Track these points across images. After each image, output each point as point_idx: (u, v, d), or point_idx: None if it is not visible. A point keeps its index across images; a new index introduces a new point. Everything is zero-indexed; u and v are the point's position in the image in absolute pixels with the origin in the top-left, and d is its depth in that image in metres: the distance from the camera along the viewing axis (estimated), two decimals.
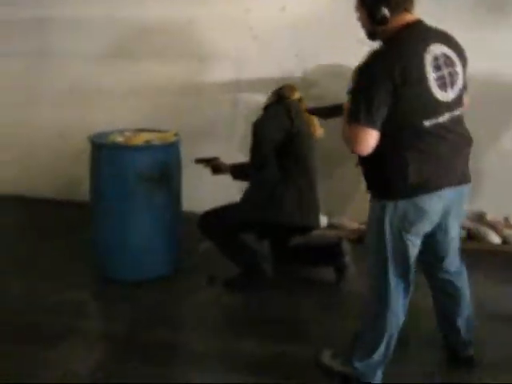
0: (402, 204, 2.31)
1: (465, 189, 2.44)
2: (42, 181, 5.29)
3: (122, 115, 4.76)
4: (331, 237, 4.09)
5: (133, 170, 3.44)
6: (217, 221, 3.53)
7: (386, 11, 2.27)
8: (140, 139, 3.60)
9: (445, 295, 2.67)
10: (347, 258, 3.60)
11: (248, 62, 4.58)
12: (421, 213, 2.31)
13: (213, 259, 3.87)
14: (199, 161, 3.78)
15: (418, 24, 2.33)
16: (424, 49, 2.24)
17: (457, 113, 2.34)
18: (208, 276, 3.73)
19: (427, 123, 2.24)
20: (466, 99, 2.47)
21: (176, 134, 3.79)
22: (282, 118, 3.38)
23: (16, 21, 5.07)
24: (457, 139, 2.36)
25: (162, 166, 3.52)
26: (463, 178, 2.42)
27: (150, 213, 3.57)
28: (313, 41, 4.34)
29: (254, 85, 4.59)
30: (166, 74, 4.75)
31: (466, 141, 2.43)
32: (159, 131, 3.87)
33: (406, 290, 2.45)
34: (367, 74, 2.25)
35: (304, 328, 3.27)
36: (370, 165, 2.38)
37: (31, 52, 5.12)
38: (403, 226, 2.33)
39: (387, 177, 2.33)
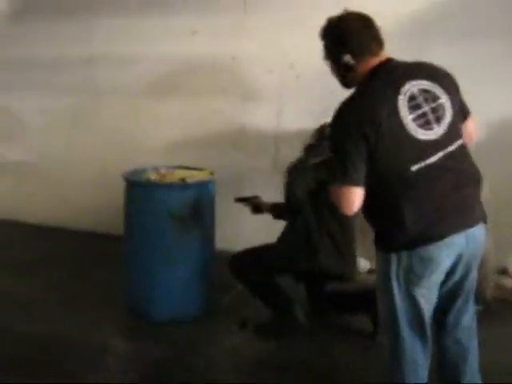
0: (405, 256, 2.12)
1: (477, 230, 2.17)
2: (84, 214, 5.33)
3: (163, 152, 4.80)
4: (370, 283, 3.90)
5: (164, 208, 3.38)
6: (250, 262, 3.41)
7: (348, 58, 2.19)
8: (174, 177, 3.55)
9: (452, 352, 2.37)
10: None
11: (290, 102, 4.50)
12: (428, 264, 2.10)
13: (245, 300, 3.74)
14: (239, 200, 3.67)
15: (388, 65, 2.19)
16: (396, 91, 2.08)
17: (452, 148, 2.12)
18: (240, 321, 3.60)
19: (414, 168, 2.06)
20: (468, 127, 2.30)
21: (211, 173, 3.72)
22: (316, 169, 3.24)
23: (64, 58, 5.16)
24: (457, 177, 2.13)
25: (195, 205, 3.45)
26: (474, 219, 2.17)
27: (181, 252, 3.50)
28: None
29: (294, 126, 4.50)
30: (208, 112, 4.73)
31: (470, 176, 2.19)
32: (196, 169, 3.82)
33: (424, 342, 2.23)
34: (337, 132, 2.16)
35: (335, 377, 3.10)
36: (369, 218, 2.26)
37: (78, 89, 5.21)
38: (410, 280, 2.13)
39: (386, 229, 2.18)
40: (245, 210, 4.46)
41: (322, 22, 3.95)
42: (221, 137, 4.75)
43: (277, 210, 3.57)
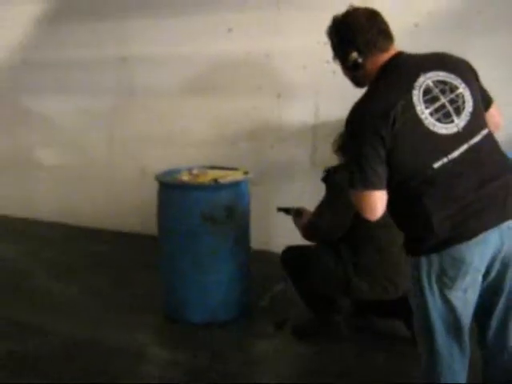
0: (436, 258, 1.98)
1: None
2: (127, 215, 5.35)
3: (200, 151, 4.77)
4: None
5: (197, 209, 3.33)
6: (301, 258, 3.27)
7: (355, 55, 2.08)
8: (207, 177, 3.49)
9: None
10: None
11: (327, 98, 4.38)
12: (460, 265, 1.95)
13: (284, 301, 3.77)
14: (281, 210, 3.55)
15: (399, 59, 2.08)
16: (410, 85, 1.97)
17: (476, 139, 1.98)
18: (275, 322, 3.52)
19: (437, 164, 1.94)
20: (492, 115, 2.15)
21: (246, 172, 3.65)
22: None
23: (100, 59, 5.19)
24: (485, 170, 1.98)
25: (228, 206, 3.38)
26: (507, 212, 1.98)
27: (215, 254, 3.43)
28: None
29: (332, 122, 4.38)
30: (244, 110, 4.66)
31: (499, 167, 2.03)
32: (230, 169, 3.76)
33: (462, 348, 2.08)
34: (351, 135, 2.05)
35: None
36: (395, 220, 2.14)
37: (115, 90, 5.23)
38: (443, 283, 1.99)
39: (413, 231, 2.06)
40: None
41: None
42: (258, 135, 4.68)
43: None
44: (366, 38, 2.08)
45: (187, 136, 4.98)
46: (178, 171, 3.66)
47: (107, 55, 5.16)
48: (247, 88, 4.63)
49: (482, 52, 3.46)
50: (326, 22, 3.92)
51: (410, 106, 1.94)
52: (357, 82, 2.21)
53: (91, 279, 4.36)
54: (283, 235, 4.40)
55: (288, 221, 3.79)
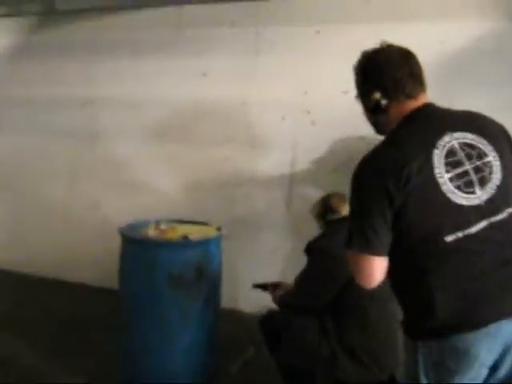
0: (435, 346, 1.69)
1: None
2: (85, 266, 4.98)
3: (166, 202, 4.50)
4: None
5: (164, 269, 3.01)
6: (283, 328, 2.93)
7: (378, 95, 1.83)
8: (176, 233, 3.19)
9: None
10: None
11: (305, 150, 4.16)
12: (464, 357, 1.65)
13: (256, 368, 3.47)
14: (257, 286, 3.29)
15: (426, 110, 1.83)
16: (433, 142, 1.72)
17: (500, 217, 1.71)
18: None
19: (450, 238, 1.67)
20: None
21: (218, 228, 3.36)
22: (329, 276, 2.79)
23: (65, 100, 4.90)
24: (506, 252, 1.70)
25: (198, 266, 3.07)
26: None
27: (182, 317, 3.10)
28: None
29: (310, 175, 4.15)
30: (216, 160, 4.41)
31: None
32: (201, 223, 3.48)
33: None
34: (356, 188, 1.78)
35: None
36: (395, 293, 1.87)
37: (79, 133, 4.94)
38: (442, 377, 1.69)
39: (413, 309, 1.79)
40: (256, 266, 4.14)
41: (339, 65, 3.70)
42: (230, 186, 4.41)
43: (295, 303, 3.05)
44: (395, 78, 1.83)
45: (154, 185, 4.70)
46: (144, 224, 3.36)
47: (73, 96, 4.87)
48: (220, 137, 4.39)
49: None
50: (308, 69, 3.76)
51: (429, 166, 1.68)
52: (376, 128, 1.95)
53: (43, 336, 3.94)
54: (254, 293, 4.16)
55: (258, 278, 3.53)
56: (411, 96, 1.83)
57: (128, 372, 3.26)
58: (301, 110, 4.12)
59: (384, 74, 1.84)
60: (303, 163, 4.17)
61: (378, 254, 1.73)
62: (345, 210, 2.95)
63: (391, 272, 1.78)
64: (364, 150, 3.90)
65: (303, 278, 2.91)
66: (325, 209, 3.00)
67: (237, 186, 4.38)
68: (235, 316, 4.21)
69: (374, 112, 1.88)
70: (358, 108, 3.82)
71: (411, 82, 1.83)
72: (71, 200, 5.09)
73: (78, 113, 4.90)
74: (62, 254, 5.10)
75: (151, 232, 3.19)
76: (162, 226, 3.27)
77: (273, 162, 4.26)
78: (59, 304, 4.61)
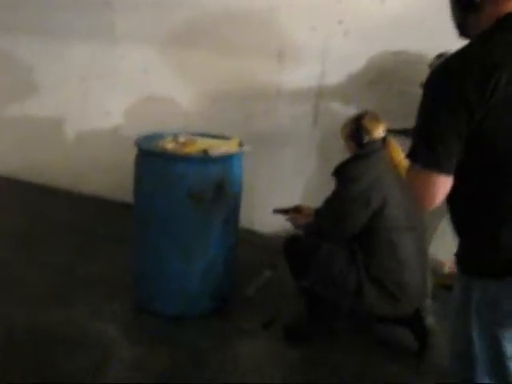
0: (493, 286, 1.50)
1: None
2: (97, 176, 4.82)
3: (183, 114, 4.25)
4: None
5: (181, 185, 2.81)
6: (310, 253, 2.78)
7: None
8: (195, 148, 2.96)
9: None
10: (429, 320, 2.82)
11: (335, 64, 3.84)
12: None
13: (275, 290, 3.35)
14: (277, 211, 3.13)
15: None
16: None
17: None
18: (265, 320, 3.06)
19: None
20: None
21: (240, 144, 3.13)
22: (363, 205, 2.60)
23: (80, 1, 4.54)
24: None
25: (219, 183, 2.86)
26: None
27: (200, 236, 2.93)
28: (416, 41, 3.54)
29: (340, 90, 3.86)
30: (239, 71, 4.09)
31: None
32: (222, 137, 3.25)
33: None
34: (429, 91, 1.51)
35: None
36: (453, 219, 1.64)
37: (94, 37, 4.60)
38: (496, 319, 1.52)
39: (471, 243, 1.57)
40: (276, 186, 3.96)
41: None
42: (253, 99, 4.14)
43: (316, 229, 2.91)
44: None
45: (171, 95, 4.43)
46: (161, 136, 3.13)
47: None
48: (245, 45, 4.06)
49: None
50: None
51: None
52: (463, 28, 1.62)
53: (54, 251, 3.82)
54: (272, 215, 4.01)
55: (277, 199, 3.35)
56: None
57: (142, 294, 3.13)
58: (333, 19, 3.77)
59: None
60: (333, 77, 3.86)
61: (445, 172, 1.49)
62: (377, 132, 2.75)
63: (453, 194, 1.54)
64: (400, 66, 3.65)
65: (330, 206, 2.73)
66: (357, 129, 2.75)
67: (260, 99, 4.10)
68: (252, 237, 4.07)
69: (464, 8, 1.56)
70: (395, 20, 3.55)
71: None
72: (84, 108, 4.85)
73: (95, 13, 4.54)
74: (74, 164, 4.94)
75: (169, 145, 2.96)
76: (181, 139, 3.03)
77: (300, 75, 3.95)
78: (70, 216, 4.48)
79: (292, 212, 3.04)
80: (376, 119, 2.77)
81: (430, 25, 3.44)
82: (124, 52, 4.48)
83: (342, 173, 2.71)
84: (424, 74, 3.35)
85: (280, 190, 4.06)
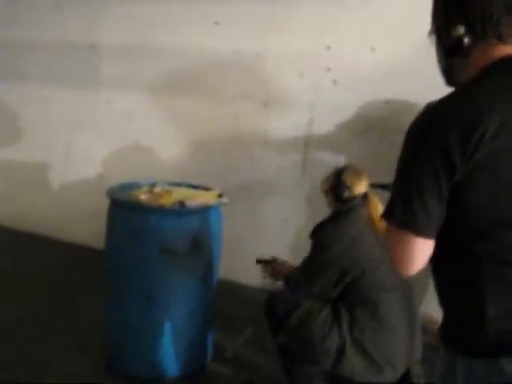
0: (478, 366, 1.31)
1: None
2: (77, 223, 4.64)
3: (167, 162, 4.12)
4: None
5: (155, 239, 2.63)
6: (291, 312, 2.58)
7: (461, 31, 1.34)
8: (171, 199, 2.80)
9: None
10: None
11: (323, 112, 3.72)
12: None
13: (255, 350, 3.17)
14: (260, 261, 2.94)
15: None
16: None
17: None
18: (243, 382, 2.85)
19: None
20: None
21: (220, 195, 2.97)
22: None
23: (65, 45, 4.47)
24: None
25: (195, 237, 2.69)
26: None
27: (173, 294, 2.74)
28: (407, 90, 3.43)
29: (328, 139, 3.73)
30: (225, 119, 3.98)
31: None
32: (202, 188, 3.09)
33: None
34: (409, 145, 1.33)
35: None
36: (437, 289, 1.45)
37: (79, 81, 4.51)
38: None
39: (455, 316, 1.39)
40: (263, 237, 3.81)
41: (367, 18, 3.22)
42: (240, 147, 4.01)
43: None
44: (487, 12, 1.34)
45: (156, 142, 4.31)
46: (136, 186, 2.98)
47: (74, 40, 4.43)
48: (231, 92, 3.97)
49: None
50: (332, 21, 3.28)
51: (509, 131, 1.23)
52: (448, 76, 1.47)
53: (27, 300, 3.61)
54: (257, 266, 3.84)
55: (264, 251, 3.17)
56: (503, 38, 1.34)
57: (112, 350, 2.92)
58: (321, 67, 3.68)
59: (473, 5, 1.35)
60: (321, 126, 3.74)
61: (424, 234, 1.31)
62: (358, 188, 2.60)
63: (433, 260, 1.37)
64: (389, 115, 3.53)
65: (306, 266, 2.58)
66: (337, 184, 2.60)
67: (246, 148, 3.97)
68: (235, 290, 3.88)
69: (450, 53, 1.41)
70: (385, 68, 3.44)
71: (507, 18, 1.33)
72: (69, 154, 4.72)
73: (81, 60, 4.49)
74: (58, 211, 4.79)
75: (143, 195, 2.80)
76: (157, 189, 2.88)
77: (288, 123, 3.83)
78: (50, 263, 4.29)
79: (274, 263, 2.86)
80: (357, 174, 2.62)
81: (420, 73, 3.32)
82: (109, 98, 4.37)
83: (317, 236, 2.56)
84: None
85: (267, 241, 3.89)
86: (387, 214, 1.36)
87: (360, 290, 2.42)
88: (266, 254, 3.01)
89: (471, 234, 1.29)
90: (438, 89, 3.29)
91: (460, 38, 1.35)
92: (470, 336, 1.34)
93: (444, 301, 1.44)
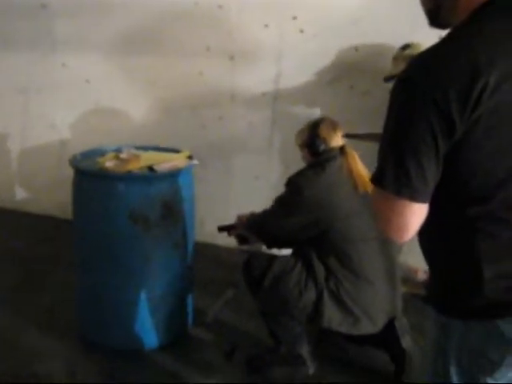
0: (476, 328, 1.25)
1: None
2: (40, 193, 4.47)
3: (131, 124, 3.94)
4: None
5: (123, 207, 2.50)
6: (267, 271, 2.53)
7: None
8: (138, 164, 2.65)
9: None
10: (406, 340, 2.56)
11: (291, 63, 3.57)
12: (510, 347, 1.24)
13: (236, 314, 3.08)
14: (222, 229, 2.87)
15: None
16: None
17: None
18: (224, 350, 2.77)
19: None
20: None
21: (190, 157, 2.84)
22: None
23: (14, 5, 4.19)
24: None
25: (166, 203, 2.56)
26: None
27: (147, 263, 2.62)
28: (377, 33, 3.30)
29: (298, 92, 3.59)
30: (189, 77, 3.80)
31: None
32: (171, 150, 2.95)
33: None
34: (400, 102, 1.20)
35: None
36: (426, 252, 1.37)
37: (31, 44, 4.25)
38: (479, 366, 1.26)
39: (449, 279, 1.31)
40: (236, 196, 3.72)
41: None
42: (206, 105, 3.85)
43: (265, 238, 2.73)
44: None
45: (117, 104, 4.11)
46: (101, 152, 2.84)
47: (22, 0, 4.15)
48: (193, 47, 3.77)
49: None
50: None
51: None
52: (435, 16, 1.32)
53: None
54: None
55: (239, 209, 3.07)
56: None
57: (86, 322, 2.82)
58: (286, 16, 3.50)
59: None
60: (290, 78, 3.59)
61: (420, 199, 1.20)
62: (334, 141, 2.53)
63: (425, 222, 1.26)
64: (362, 62, 3.40)
65: (278, 204, 2.54)
66: (312, 137, 2.52)
67: (213, 106, 3.81)
68: (211, 252, 3.78)
69: None
70: (353, 12, 3.30)
71: None
72: (26, 121, 4.49)
73: (32, 22, 4.20)
74: (20, 182, 4.59)
75: (109, 162, 2.64)
76: (123, 155, 2.73)
77: (255, 77, 3.67)
78: (14, 237, 4.13)
79: (235, 228, 2.80)
80: (333, 127, 2.55)
81: (389, 15, 3.21)
82: (64, 60, 4.14)
83: (291, 181, 2.50)
84: (388, 67, 3.16)
85: (242, 199, 3.78)
86: (378, 180, 1.24)
87: (333, 239, 2.39)
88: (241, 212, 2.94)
89: (468, 195, 1.20)
90: (408, 32, 3.19)
91: None
92: (466, 299, 1.26)
93: (435, 265, 1.36)
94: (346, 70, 3.44)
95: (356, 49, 3.41)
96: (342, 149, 2.53)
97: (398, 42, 3.12)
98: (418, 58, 1.22)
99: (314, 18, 3.42)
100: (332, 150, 2.50)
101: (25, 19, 4.16)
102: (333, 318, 2.41)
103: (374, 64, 3.35)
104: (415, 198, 1.20)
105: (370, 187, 2.27)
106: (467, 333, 1.27)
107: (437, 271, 1.36)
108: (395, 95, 1.21)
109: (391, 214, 1.24)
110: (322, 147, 2.49)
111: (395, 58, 3.02)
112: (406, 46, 2.96)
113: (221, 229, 2.84)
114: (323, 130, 2.51)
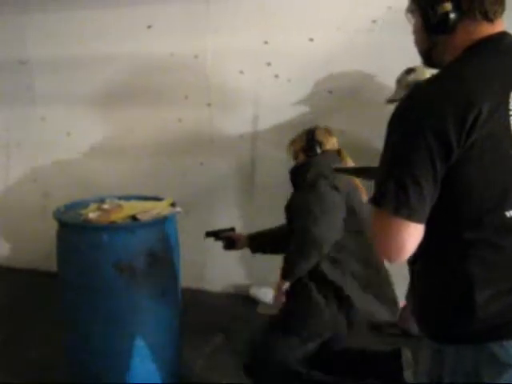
0: (469, 352, 1.29)
1: None
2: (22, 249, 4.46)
3: (112, 175, 3.97)
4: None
5: (109, 258, 2.51)
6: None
7: (448, 6, 1.32)
8: (122, 214, 2.68)
9: None
10: (407, 374, 2.58)
11: (267, 107, 3.65)
12: (504, 369, 1.27)
13: (223, 364, 3.04)
14: (210, 234, 2.98)
15: (504, 40, 1.35)
16: (511, 83, 1.27)
17: None
18: None
19: (510, 214, 1.26)
20: None
21: (172, 204, 2.87)
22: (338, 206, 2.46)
23: None
24: None
25: (151, 251, 2.58)
26: None
27: (134, 313, 2.62)
28: (350, 77, 3.40)
29: (275, 135, 3.66)
30: (168, 123, 3.87)
31: None
32: (153, 198, 2.97)
33: None
34: (400, 129, 1.29)
35: None
36: (416, 275, 1.43)
37: (11, 98, 4.29)
38: None
39: (440, 303, 1.35)
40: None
41: (302, 7, 3.17)
42: (186, 152, 3.90)
43: (256, 244, 2.88)
44: None
45: (98, 155, 4.14)
46: (84, 204, 2.85)
47: (2, 57, 4.22)
48: (171, 96, 3.84)
49: None
50: (268, 15, 3.22)
51: (503, 113, 1.23)
52: (429, 55, 1.43)
53: None
54: (221, 271, 3.77)
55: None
56: (488, 17, 1.33)
57: (75, 376, 2.79)
58: (261, 62, 3.60)
59: None
60: (267, 121, 3.68)
61: (417, 219, 1.27)
62: (330, 144, 2.70)
63: (420, 248, 1.32)
64: (333, 105, 3.49)
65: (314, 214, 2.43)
66: (309, 141, 2.66)
67: (193, 151, 3.86)
68: (198, 298, 3.77)
69: (435, 30, 1.37)
70: (326, 58, 3.40)
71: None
72: (8, 174, 4.51)
73: (11, 78, 4.25)
74: (2, 237, 4.58)
75: (92, 213, 2.67)
76: (106, 206, 2.75)
77: (232, 122, 3.75)
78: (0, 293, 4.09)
79: (226, 233, 2.93)
80: (328, 132, 2.72)
81: (360, 60, 3.32)
82: (44, 114, 4.19)
83: (297, 175, 2.63)
84: (363, 108, 3.25)
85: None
86: (377, 200, 1.30)
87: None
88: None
89: (461, 219, 1.27)
90: (379, 75, 3.29)
91: (446, 14, 1.33)
92: (458, 323, 1.30)
93: (424, 292, 1.40)
94: (321, 112, 3.52)
95: (329, 92, 3.51)
96: (338, 152, 2.68)
97: (370, 86, 3.26)
98: (418, 89, 1.32)
99: (287, 63, 3.52)
100: (328, 151, 2.65)
101: (4, 75, 4.22)
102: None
103: (348, 105, 3.44)
104: (412, 217, 1.25)
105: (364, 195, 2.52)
106: (461, 357, 1.30)
107: (426, 299, 1.40)
108: (394, 123, 1.30)
109: (389, 232, 1.29)
110: (320, 150, 2.63)
111: (399, 81, 3.07)
112: (409, 71, 3.00)
113: (208, 234, 2.96)
114: (319, 135, 2.66)
